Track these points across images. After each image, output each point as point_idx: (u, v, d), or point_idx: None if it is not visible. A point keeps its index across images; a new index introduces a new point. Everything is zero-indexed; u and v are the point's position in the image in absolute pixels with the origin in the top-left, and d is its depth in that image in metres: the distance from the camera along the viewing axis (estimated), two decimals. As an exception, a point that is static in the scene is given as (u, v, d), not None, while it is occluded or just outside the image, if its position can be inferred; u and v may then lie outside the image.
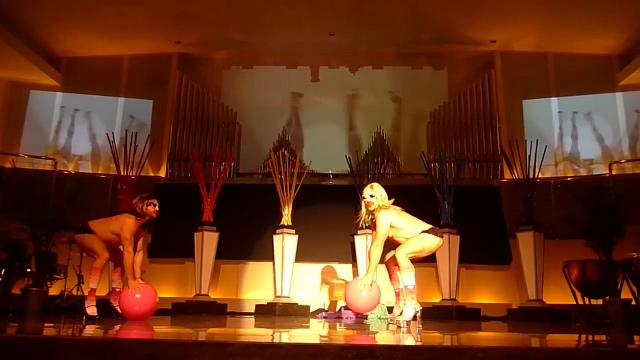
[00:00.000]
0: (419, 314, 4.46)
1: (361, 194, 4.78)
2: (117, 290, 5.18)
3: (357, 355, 2.17)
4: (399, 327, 4.17)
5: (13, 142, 9.58)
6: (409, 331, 3.70)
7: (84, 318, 4.76)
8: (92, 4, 8.54)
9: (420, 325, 4.35)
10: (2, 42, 8.43)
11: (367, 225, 4.81)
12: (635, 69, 8.83)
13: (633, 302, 6.48)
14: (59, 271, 7.16)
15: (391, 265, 4.75)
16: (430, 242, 4.49)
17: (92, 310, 4.85)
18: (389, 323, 4.79)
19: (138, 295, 4.60)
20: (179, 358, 2.20)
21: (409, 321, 4.33)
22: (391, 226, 4.53)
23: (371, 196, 4.61)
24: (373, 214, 4.63)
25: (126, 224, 4.83)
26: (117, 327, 3.75)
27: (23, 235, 6.47)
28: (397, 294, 4.79)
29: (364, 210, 4.71)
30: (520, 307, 7.34)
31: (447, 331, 3.93)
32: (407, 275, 4.38)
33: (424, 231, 4.48)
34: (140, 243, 5.11)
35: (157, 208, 4.92)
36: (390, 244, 4.67)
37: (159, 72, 10.16)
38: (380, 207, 4.57)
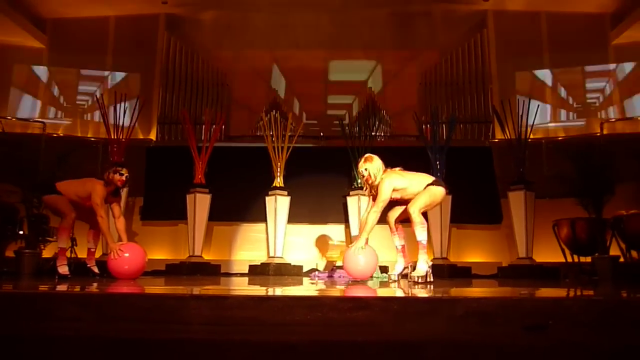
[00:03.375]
0: (429, 270, 4.50)
1: (357, 167, 4.66)
2: (92, 250, 5.21)
3: (354, 307, 2.19)
4: (414, 282, 4.23)
5: (0, 106, 9.43)
6: (423, 286, 3.76)
7: (56, 277, 4.81)
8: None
9: (432, 279, 4.43)
10: (-17, 3, 8.22)
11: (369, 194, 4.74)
12: (628, 27, 8.75)
13: (621, 259, 6.55)
14: (51, 233, 7.14)
15: (396, 221, 4.79)
16: (437, 194, 4.58)
17: (63, 269, 4.92)
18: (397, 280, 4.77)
19: (127, 254, 4.61)
20: (176, 311, 2.21)
21: (423, 276, 4.38)
22: (395, 189, 4.51)
23: (366, 170, 4.55)
24: (374, 185, 4.60)
25: (95, 189, 4.81)
26: (113, 284, 3.76)
27: (14, 198, 6.44)
28: (399, 250, 4.85)
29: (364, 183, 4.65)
30: (511, 265, 7.41)
31: (439, 287, 3.98)
32: (420, 231, 4.44)
33: (428, 184, 4.54)
34: (117, 209, 5.08)
35: (123, 178, 4.87)
36: (394, 203, 4.71)
37: (146, 34, 9.95)
38: (381, 175, 4.54)
